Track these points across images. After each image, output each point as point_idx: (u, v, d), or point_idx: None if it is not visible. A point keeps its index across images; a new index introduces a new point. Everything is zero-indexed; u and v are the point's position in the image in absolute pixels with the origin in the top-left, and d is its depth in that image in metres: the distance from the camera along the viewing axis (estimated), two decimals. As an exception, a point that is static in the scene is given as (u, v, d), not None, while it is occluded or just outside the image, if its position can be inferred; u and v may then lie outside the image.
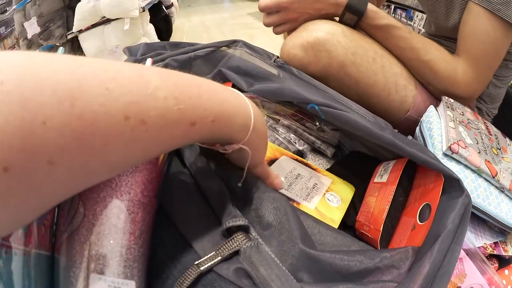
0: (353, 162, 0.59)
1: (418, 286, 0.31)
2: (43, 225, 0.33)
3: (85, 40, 1.60)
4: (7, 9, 2.01)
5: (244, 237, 0.35)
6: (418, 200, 0.42)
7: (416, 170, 0.47)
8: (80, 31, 1.57)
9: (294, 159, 0.54)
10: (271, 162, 0.52)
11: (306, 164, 0.54)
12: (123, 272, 0.31)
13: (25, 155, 0.20)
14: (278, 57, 0.64)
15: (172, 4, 2.63)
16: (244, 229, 0.36)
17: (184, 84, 0.30)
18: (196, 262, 0.34)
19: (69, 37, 1.58)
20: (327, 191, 0.49)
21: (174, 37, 2.58)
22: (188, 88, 0.30)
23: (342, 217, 0.46)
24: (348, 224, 0.49)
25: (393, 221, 0.43)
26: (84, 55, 1.57)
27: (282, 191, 0.47)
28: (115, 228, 0.32)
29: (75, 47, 1.66)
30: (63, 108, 0.21)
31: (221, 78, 0.61)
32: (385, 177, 0.46)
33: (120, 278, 0.31)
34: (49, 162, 0.21)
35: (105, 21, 1.56)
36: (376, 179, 0.48)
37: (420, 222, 0.40)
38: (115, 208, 0.33)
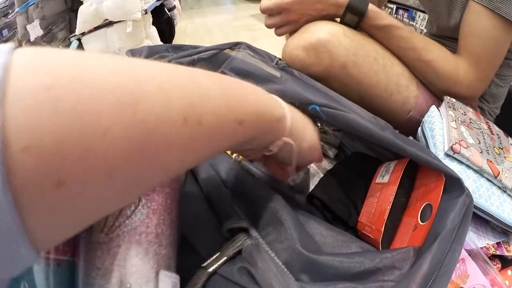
0: (355, 163, 0.59)
1: (417, 286, 0.31)
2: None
3: (88, 43, 1.60)
4: (10, 11, 2.02)
5: (245, 237, 0.36)
6: (419, 200, 0.42)
7: (418, 170, 0.47)
8: (83, 34, 1.58)
9: None
10: None
11: None
12: (173, 266, 0.34)
13: (82, 169, 0.18)
14: (280, 59, 0.64)
15: (174, 7, 2.64)
16: (245, 230, 0.37)
17: (228, 82, 0.29)
18: (203, 264, 0.34)
19: (71, 39, 1.59)
20: None
21: (177, 40, 2.59)
22: (233, 86, 0.29)
23: None
24: (350, 225, 0.49)
25: (395, 221, 0.43)
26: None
27: None
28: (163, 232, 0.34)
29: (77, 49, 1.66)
30: (125, 114, 0.19)
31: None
32: (386, 178, 0.46)
33: (174, 273, 0.33)
34: (108, 175, 0.19)
35: (108, 23, 1.57)
36: (378, 179, 0.48)
37: (422, 222, 0.40)
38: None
